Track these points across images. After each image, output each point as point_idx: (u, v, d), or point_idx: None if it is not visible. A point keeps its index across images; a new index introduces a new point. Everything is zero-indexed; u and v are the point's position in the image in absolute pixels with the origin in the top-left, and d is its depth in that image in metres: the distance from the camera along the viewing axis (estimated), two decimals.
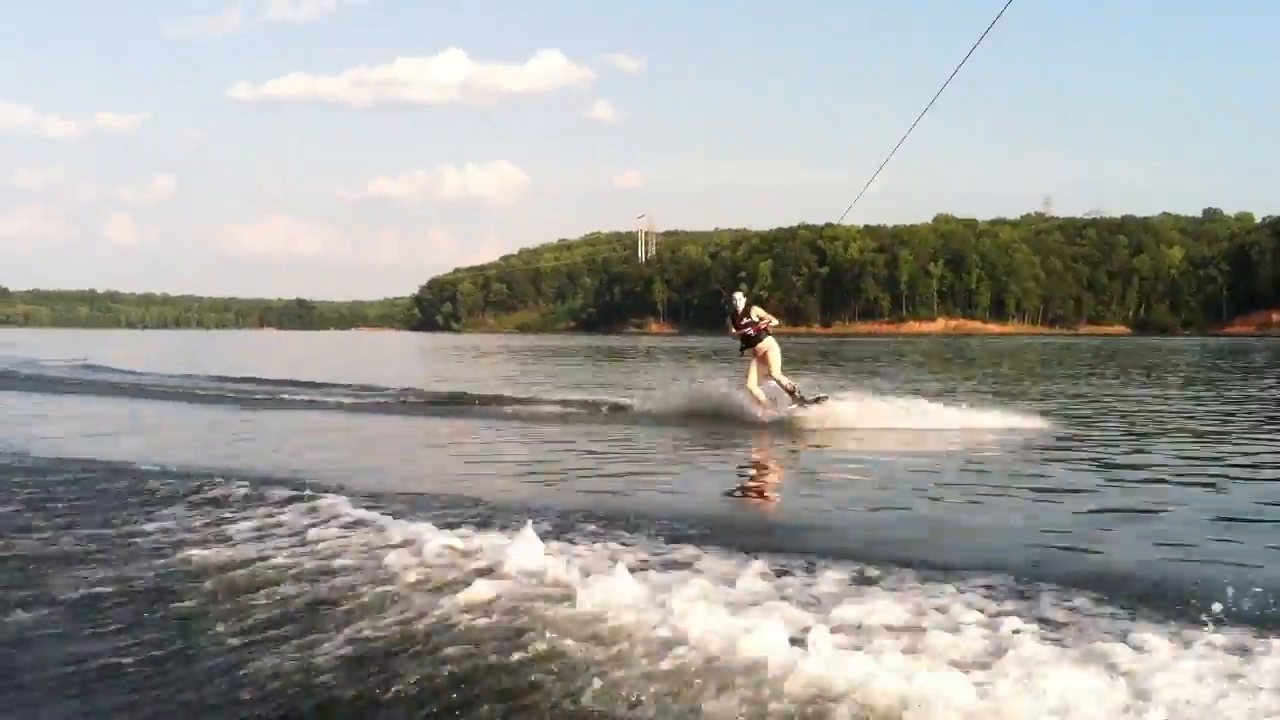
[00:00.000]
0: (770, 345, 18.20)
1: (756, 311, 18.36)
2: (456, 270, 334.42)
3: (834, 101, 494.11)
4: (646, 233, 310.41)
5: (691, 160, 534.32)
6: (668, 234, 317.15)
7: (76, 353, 53.17)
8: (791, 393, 17.98)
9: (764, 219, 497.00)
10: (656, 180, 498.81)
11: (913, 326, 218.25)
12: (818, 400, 17.88)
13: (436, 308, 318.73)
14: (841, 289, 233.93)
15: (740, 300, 18.61)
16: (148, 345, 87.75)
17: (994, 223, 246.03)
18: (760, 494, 11.89)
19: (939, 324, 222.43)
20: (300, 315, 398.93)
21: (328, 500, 8.93)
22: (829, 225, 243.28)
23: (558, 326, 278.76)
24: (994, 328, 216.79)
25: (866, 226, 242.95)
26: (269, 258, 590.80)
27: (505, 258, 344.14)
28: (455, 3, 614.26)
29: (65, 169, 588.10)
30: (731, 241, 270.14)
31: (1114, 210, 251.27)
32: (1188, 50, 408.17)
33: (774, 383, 18.32)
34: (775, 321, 18.60)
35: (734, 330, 18.47)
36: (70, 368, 39.09)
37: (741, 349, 18.48)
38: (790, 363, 20.84)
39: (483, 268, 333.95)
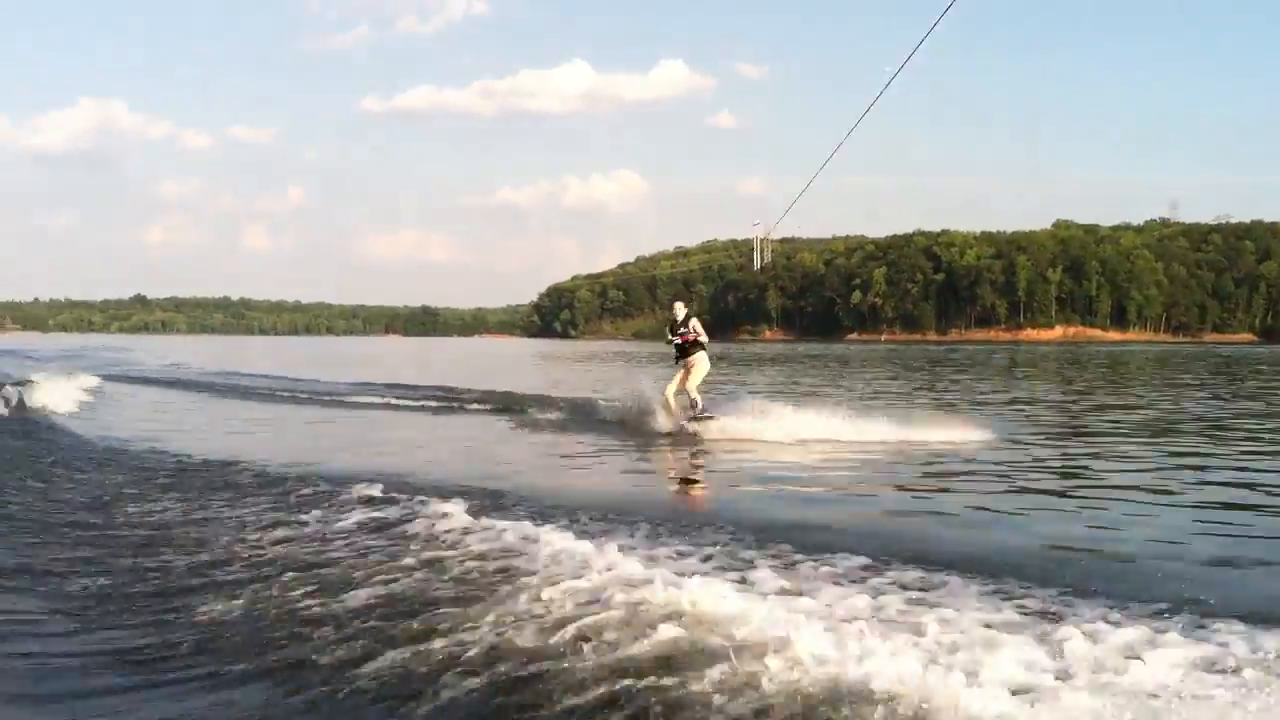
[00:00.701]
0: (700, 360, 18.60)
1: (694, 324, 18.71)
2: (575, 278, 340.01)
3: (953, 107, 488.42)
4: (762, 240, 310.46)
5: (811, 167, 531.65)
6: (784, 240, 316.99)
7: (229, 363, 52.84)
8: (693, 405, 18.28)
9: (882, 226, 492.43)
10: (778, 187, 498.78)
11: (1030, 334, 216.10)
12: (710, 418, 17.97)
13: (555, 314, 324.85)
14: (957, 296, 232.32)
15: (680, 311, 19.11)
16: (296, 352, 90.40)
17: (1116, 228, 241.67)
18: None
19: (1057, 331, 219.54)
20: (424, 322, 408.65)
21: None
22: (945, 231, 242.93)
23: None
24: (1114, 335, 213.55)
25: (983, 233, 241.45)
26: (396, 265, 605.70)
27: (623, 265, 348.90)
28: (579, 14, 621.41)
29: (203, 181, 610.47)
30: (846, 248, 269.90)
31: (1242, 215, 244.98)
32: None
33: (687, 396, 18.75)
34: (705, 337, 18.85)
35: (671, 338, 18.92)
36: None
37: (676, 358, 18.93)
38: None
39: (600, 275, 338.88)
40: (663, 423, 18.33)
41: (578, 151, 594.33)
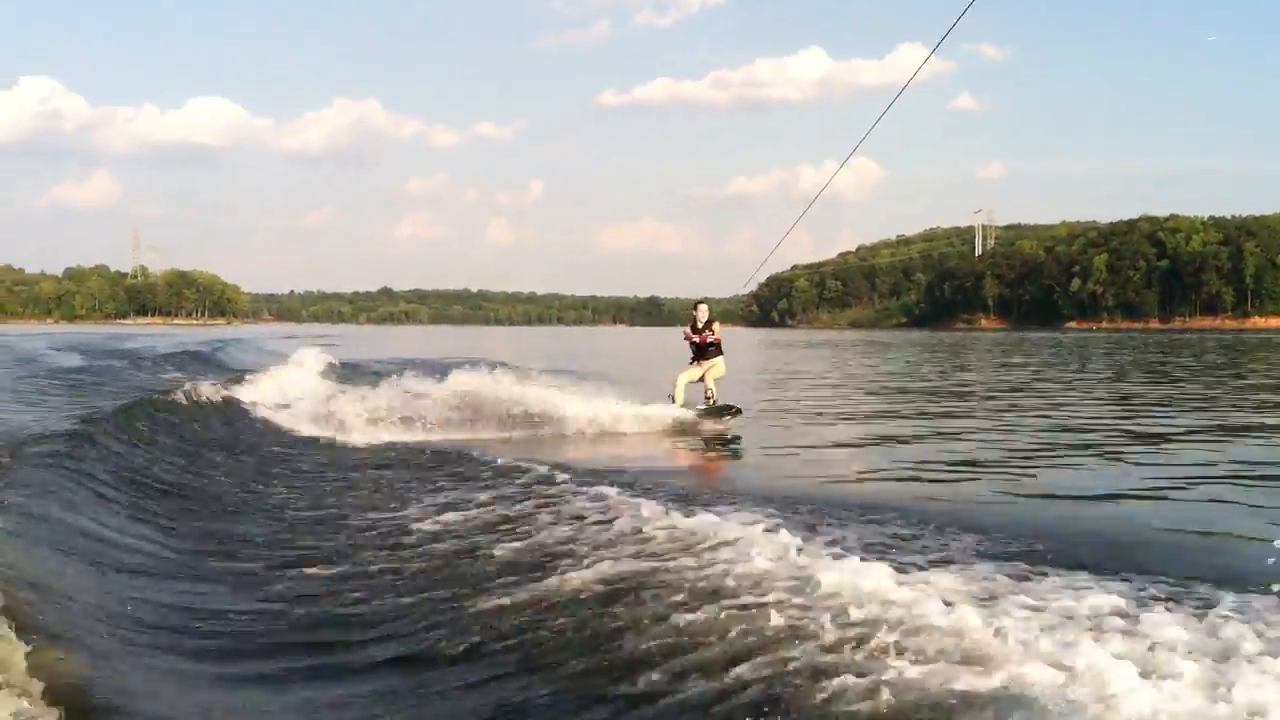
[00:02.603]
0: (718, 363, 19.21)
1: (715, 328, 19.22)
2: (794, 267, 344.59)
3: (1191, 89, 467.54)
4: (985, 227, 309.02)
5: (1050, 151, 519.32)
6: (1009, 227, 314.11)
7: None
8: (708, 398, 19.01)
9: (1109, 210, 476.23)
10: (1019, 171, 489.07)
11: (1257, 322, 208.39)
12: (731, 411, 18.85)
13: (773, 304, 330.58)
14: (1181, 283, 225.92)
15: (704, 313, 19.35)
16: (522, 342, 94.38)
17: None
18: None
19: None
20: (649, 312, 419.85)
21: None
22: (1172, 216, 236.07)
23: (889, 322, 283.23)
24: None
25: (1211, 218, 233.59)
26: (630, 256, 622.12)
27: (843, 254, 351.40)
28: (815, 1, 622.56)
29: (449, 176, 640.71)
30: (1068, 235, 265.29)
31: None
32: None
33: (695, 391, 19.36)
34: (720, 341, 19.35)
35: (693, 338, 19.23)
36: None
37: (693, 358, 19.31)
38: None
39: (820, 265, 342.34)
40: (676, 407, 18.53)
41: (812, 139, 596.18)
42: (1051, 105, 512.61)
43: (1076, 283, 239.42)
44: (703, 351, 19.18)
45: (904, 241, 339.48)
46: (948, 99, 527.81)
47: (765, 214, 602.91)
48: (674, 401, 18.69)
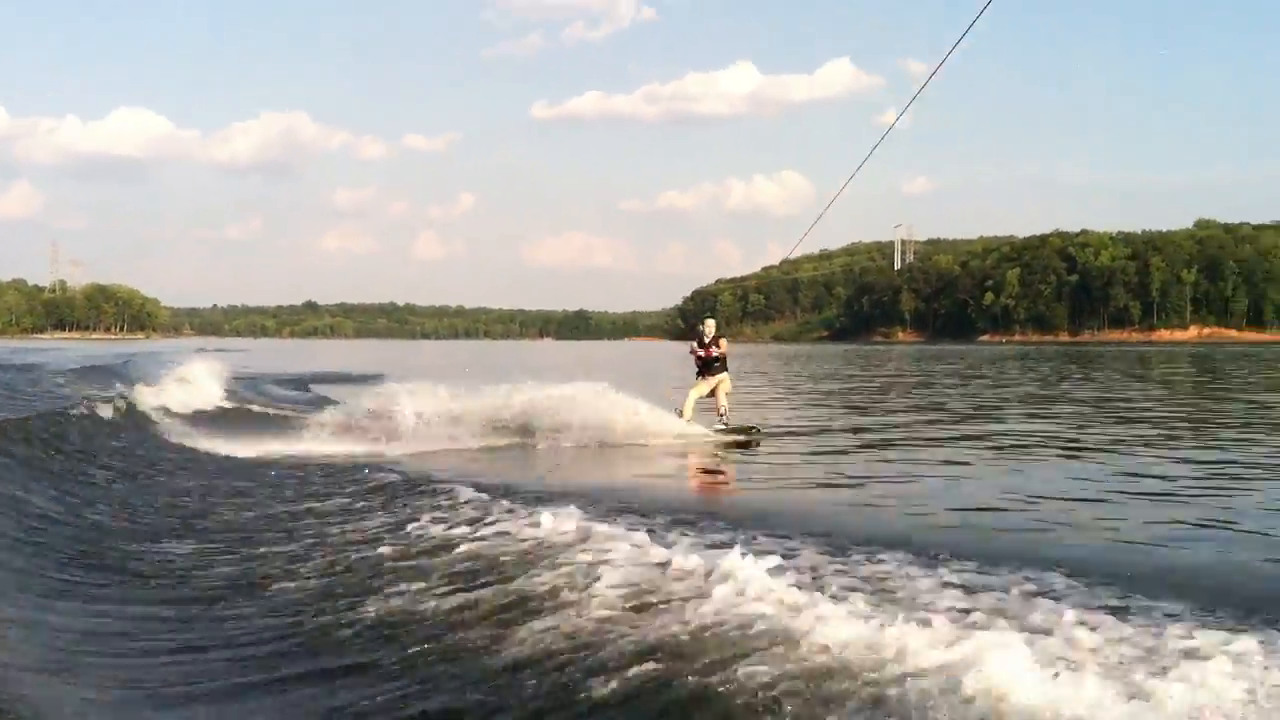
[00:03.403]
0: (725, 378, 19.04)
1: (723, 343, 19.19)
2: (718, 281, 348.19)
3: (1110, 107, 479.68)
4: (904, 241, 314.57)
5: (972, 167, 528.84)
6: (929, 242, 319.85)
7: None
8: (721, 415, 18.90)
9: (1027, 225, 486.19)
10: (942, 186, 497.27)
11: (1163, 335, 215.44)
12: (752, 432, 18.93)
13: (698, 318, 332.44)
14: (1090, 297, 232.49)
15: (711, 328, 19.39)
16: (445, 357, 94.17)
17: (1259, 227, 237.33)
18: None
19: (1191, 332, 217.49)
20: (577, 325, 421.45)
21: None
22: (1083, 232, 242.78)
23: (810, 336, 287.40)
24: (1251, 335, 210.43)
25: (1120, 233, 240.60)
26: (559, 270, 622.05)
27: (766, 268, 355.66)
28: (745, 16, 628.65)
29: (377, 189, 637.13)
30: (984, 249, 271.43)
31: None
32: None
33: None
34: (726, 355, 19.37)
35: (699, 353, 19.15)
36: None
37: (699, 372, 19.22)
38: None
39: (743, 279, 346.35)
40: (686, 423, 18.63)
41: (741, 153, 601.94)
42: (976, 121, 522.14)
43: (990, 296, 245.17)
44: (709, 366, 19.10)
45: (826, 256, 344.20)
46: (876, 114, 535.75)
47: (695, 228, 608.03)
48: (683, 419, 18.71)
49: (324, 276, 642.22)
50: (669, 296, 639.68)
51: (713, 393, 19.04)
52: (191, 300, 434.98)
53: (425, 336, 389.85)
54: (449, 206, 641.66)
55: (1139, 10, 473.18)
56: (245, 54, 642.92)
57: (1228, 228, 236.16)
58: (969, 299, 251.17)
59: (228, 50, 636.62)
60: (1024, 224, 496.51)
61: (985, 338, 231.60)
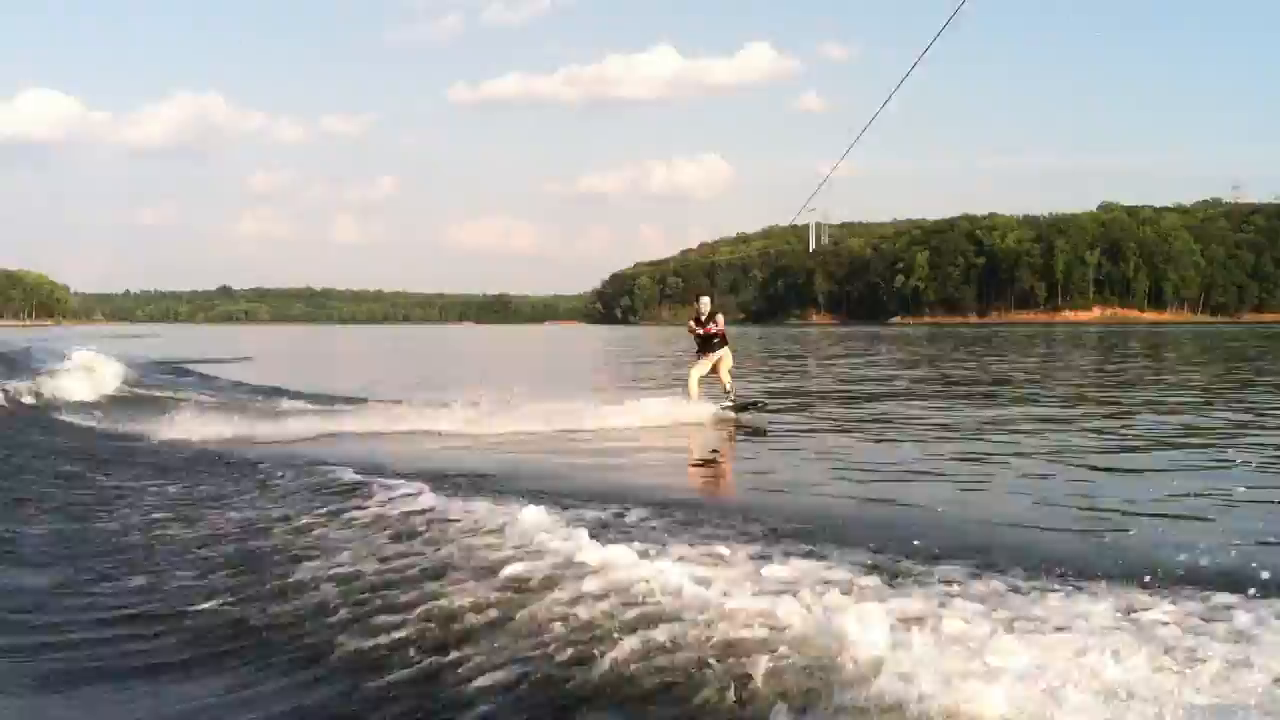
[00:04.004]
0: (725, 354, 19.02)
1: (719, 319, 19.06)
2: (636, 265, 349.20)
3: (1020, 91, 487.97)
4: (819, 225, 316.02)
5: (888, 150, 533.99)
6: (843, 225, 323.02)
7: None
8: (727, 392, 19.01)
9: (941, 208, 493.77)
10: (860, 170, 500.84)
11: (1067, 315, 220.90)
12: (756, 406, 19.28)
13: (616, 301, 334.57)
14: (998, 279, 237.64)
15: (706, 305, 19.40)
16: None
17: (1160, 210, 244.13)
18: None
19: (1094, 312, 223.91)
20: (497, 310, 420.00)
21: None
22: (990, 215, 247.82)
23: (727, 318, 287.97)
24: (1151, 316, 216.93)
25: (1026, 216, 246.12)
26: (480, 253, 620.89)
27: (684, 252, 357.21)
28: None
29: (294, 172, 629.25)
30: (895, 233, 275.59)
31: None
32: None
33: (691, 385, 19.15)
34: (725, 333, 19.29)
35: (697, 331, 19.13)
36: None
37: (699, 350, 19.19)
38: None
39: (661, 262, 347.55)
40: (694, 405, 18.53)
41: (663, 136, 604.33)
42: (891, 106, 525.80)
43: (901, 279, 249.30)
44: (708, 342, 19.02)
45: (743, 239, 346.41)
46: (794, 98, 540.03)
47: (617, 211, 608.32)
48: (690, 399, 18.71)
49: (240, 261, 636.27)
50: (590, 280, 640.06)
51: (714, 369, 19.06)
52: (103, 285, 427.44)
53: (343, 321, 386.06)
54: (368, 189, 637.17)
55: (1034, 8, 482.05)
56: (158, 33, 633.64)
57: (1130, 210, 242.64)
58: (881, 281, 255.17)
59: (140, 30, 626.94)
60: (936, 207, 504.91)
61: (896, 319, 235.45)
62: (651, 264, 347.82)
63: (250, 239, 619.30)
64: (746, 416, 18.38)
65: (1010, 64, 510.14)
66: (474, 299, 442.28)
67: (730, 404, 18.64)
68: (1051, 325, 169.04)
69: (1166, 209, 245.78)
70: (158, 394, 23.83)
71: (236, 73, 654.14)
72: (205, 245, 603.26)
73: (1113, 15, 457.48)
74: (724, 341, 19.02)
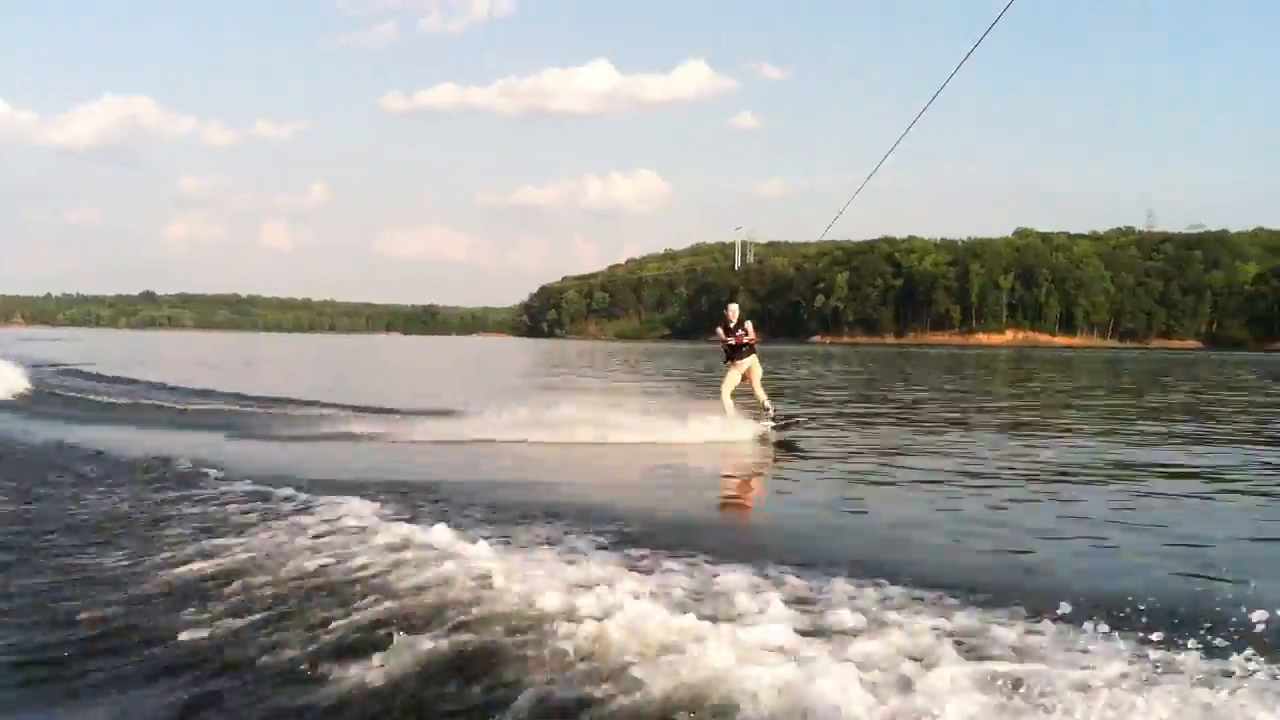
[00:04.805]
0: (754, 362, 18.76)
1: (747, 326, 18.70)
2: (564, 279, 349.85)
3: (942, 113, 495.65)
4: (744, 243, 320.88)
5: (819, 170, 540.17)
6: (770, 244, 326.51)
7: None
8: (766, 410, 18.80)
9: (865, 230, 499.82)
10: (791, 189, 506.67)
11: (981, 338, 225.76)
12: (795, 421, 19.22)
13: (543, 315, 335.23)
14: (915, 301, 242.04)
15: (735, 312, 18.96)
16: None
17: (1074, 236, 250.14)
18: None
19: (1007, 336, 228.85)
20: (425, 321, 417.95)
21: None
22: (910, 238, 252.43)
23: (652, 334, 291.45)
24: (1062, 340, 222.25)
25: (943, 240, 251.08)
26: (412, 263, 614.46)
27: (612, 267, 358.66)
28: (603, 15, 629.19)
29: (224, 177, 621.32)
30: (817, 253, 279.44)
31: (1218, 225, 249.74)
32: None
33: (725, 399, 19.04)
34: (756, 340, 19.08)
35: (724, 339, 18.85)
36: None
37: (726, 358, 18.98)
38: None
39: (589, 276, 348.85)
40: (733, 422, 18.41)
41: (598, 151, 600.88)
42: (823, 125, 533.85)
43: (821, 299, 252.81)
44: (736, 351, 18.76)
45: (670, 256, 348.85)
46: (729, 116, 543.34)
47: (552, 224, 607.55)
48: (728, 414, 18.52)
49: (167, 266, 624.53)
50: (523, 293, 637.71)
51: (744, 378, 18.81)
52: (25, 288, 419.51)
53: (268, 329, 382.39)
54: (299, 196, 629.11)
55: (977, 28, 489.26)
56: (88, 35, 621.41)
57: (1044, 236, 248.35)
58: (802, 300, 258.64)
59: (69, 31, 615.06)
60: (859, 229, 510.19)
61: (816, 338, 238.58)
62: (579, 278, 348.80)
63: (177, 243, 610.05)
64: (794, 428, 18.70)
65: (928, 90, 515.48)
66: (403, 309, 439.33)
67: (773, 422, 18.55)
68: (965, 348, 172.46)
69: (1081, 236, 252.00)
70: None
71: (168, 76, 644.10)
72: (131, 249, 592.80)
73: (1038, 45, 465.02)
74: (751, 350, 18.84)
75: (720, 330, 18.88)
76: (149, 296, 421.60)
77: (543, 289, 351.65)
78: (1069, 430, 21.56)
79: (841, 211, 15.02)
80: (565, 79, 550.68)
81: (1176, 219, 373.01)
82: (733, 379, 18.71)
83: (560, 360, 64.76)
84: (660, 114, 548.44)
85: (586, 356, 73.76)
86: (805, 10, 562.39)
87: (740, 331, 18.62)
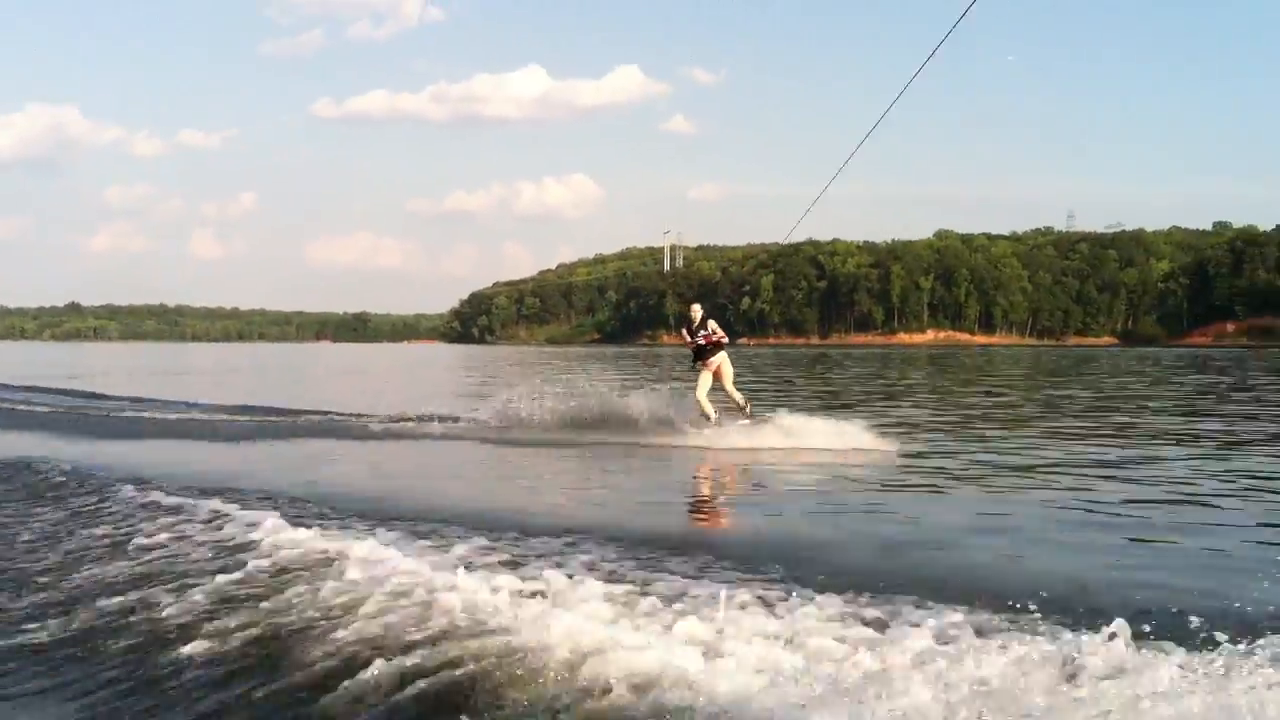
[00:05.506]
0: (723, 360, 18.31)
1: (711, 325, 18.29)
2: (495, 284, 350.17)
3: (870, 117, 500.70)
4: (674, 247, 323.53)
5: (749, 174, 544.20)
6: (699, 248, 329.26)
7: None
8: (742, 408, 18.26)
9: (793, 233, 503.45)
10: (723, 193, 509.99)
11: (903, 338, 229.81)
12: (764, 419, 17.96)
13: (474, 320, 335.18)
14: (838, 302, 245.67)
15: (698, 312, 18.60)
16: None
17: (993, 238, 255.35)
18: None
19: (929, 335, 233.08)
20: (356, 328, 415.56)
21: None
22: (834, 240, 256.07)
23: (583, 338, 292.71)
24: (981, 339, 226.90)
25: (865, 242, 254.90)
26: (344, 271, 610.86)
27: (543, 272, 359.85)
28: (534, 20, 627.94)
29: (151, 187, 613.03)
30: (744, 256, 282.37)
31: (1137, 224, 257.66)
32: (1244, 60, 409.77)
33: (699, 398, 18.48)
34: (725, 338, 18.54)
35: (689, 340, 18.52)
36: None
37: (693, 361, 18.55)
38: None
39: (519, 282, 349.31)
40: (709, 427, 17.89)
41: (531, 157, 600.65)
42: (755, 129, 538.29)
43: (747, 301, 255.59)
44: (704, 352, 18.33)
45: (601, 260, 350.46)
46: (662, 120, 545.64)
47: (485, 229, 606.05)
48: (710, 420, 17.99)
49: (93, 277, 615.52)
50: (455, 299, 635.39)
51: (716, 376, 18.29)
52: None
53: (196, 339, 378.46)
54: (227, 205, 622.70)
55: (904, 39, 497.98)
56: (10, 43, 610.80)
57: (964, 238, 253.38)
58: (728, 303, 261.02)
59: None
60: (785, 232, 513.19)
61: (743, 340, 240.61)
62: (509, 284, 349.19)
63: (103, 254, 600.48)
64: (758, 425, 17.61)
65: (858, 95, 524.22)
66: (333, 317, 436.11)
67: (748, 421, 17.85)
68: (888, 348, 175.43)
69: (1000, 237, 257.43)
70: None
71: (93, 84, 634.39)
72: (57, 261, 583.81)
73: (968, 49, 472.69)
74: (718, 348, 18.34)
75: (685, 332, 18.71)
76: (75, 308, 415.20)
77: (474, 295, 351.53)
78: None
79: (808, 210, 14.38)
80: (497, 85, 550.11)
81: (1097, 219, 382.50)
82: (705, 381, 18.24)
83: (494, 370, 64.61)
84: (593, 119, 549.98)
85: (524, 363, 73.64)
86: (737, 15, 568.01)
87: (706, 331, 18.28)
